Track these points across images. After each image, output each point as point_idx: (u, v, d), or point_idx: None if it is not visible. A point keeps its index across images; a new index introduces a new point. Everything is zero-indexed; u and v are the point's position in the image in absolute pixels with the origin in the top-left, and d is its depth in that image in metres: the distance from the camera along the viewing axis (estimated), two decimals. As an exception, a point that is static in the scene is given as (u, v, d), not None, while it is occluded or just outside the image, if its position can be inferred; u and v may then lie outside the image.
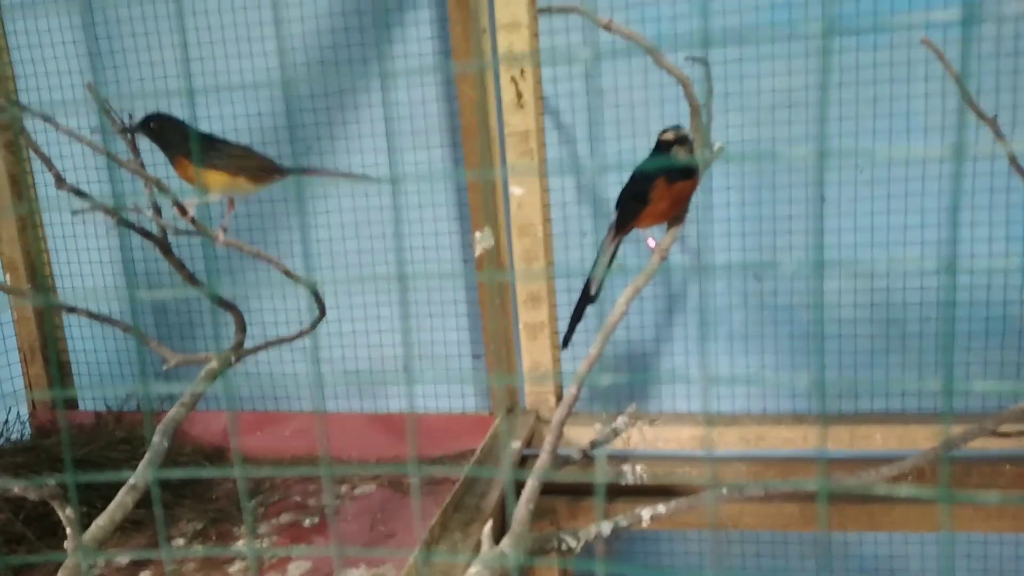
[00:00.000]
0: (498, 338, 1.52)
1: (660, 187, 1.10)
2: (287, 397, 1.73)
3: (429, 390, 1.63)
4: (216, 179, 1.17)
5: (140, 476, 1.08)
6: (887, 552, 1.63)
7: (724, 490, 1.21)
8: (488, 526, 0.99)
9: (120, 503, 1.03)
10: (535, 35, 1.44)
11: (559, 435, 1.15)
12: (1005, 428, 1.23)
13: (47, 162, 1.00)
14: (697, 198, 1.52)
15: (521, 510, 1.07)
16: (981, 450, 1.36)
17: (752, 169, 1.53)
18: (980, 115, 1.08)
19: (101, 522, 0.99)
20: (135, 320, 1.66)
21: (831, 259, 1.55)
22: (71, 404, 1.73)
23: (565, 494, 1.47)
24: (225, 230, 1.19)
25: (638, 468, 1.56)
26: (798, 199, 1.51)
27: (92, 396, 1.76)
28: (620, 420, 1.36)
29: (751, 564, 1.68)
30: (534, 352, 1.53)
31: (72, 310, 1.31)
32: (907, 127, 1.43)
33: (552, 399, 1.56)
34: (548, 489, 1.51)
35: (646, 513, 1.18)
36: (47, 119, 0.96)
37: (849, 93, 1.44)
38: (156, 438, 1.12)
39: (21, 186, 1.63)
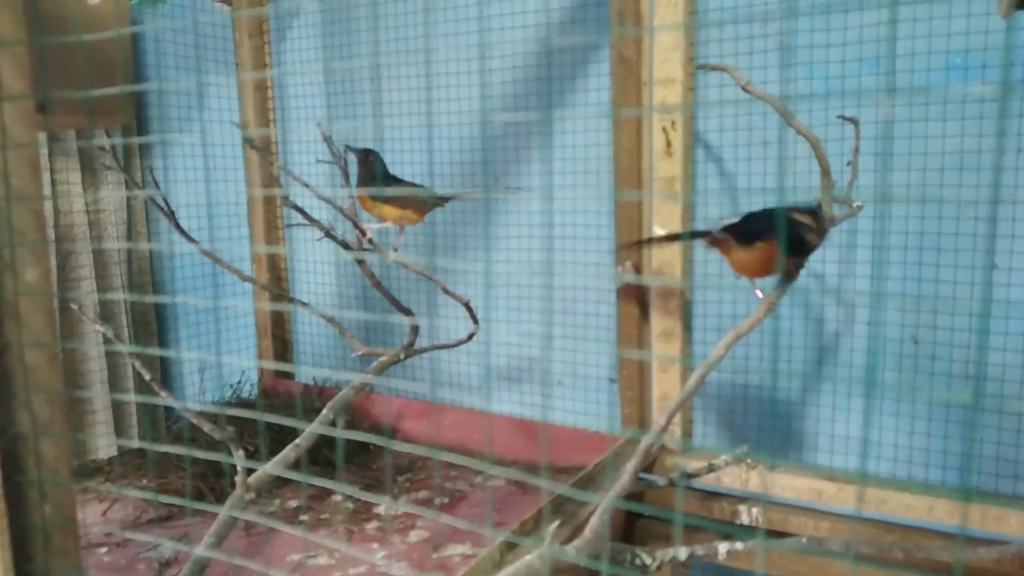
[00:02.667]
0: (631, 366, 1.64)
1: (737, 250, 1.17)
2: (455, 389, 1.98)
3: (568, 404, 1.79)
4: (390, 211, 1.44)
5: (304, 438, 1.36)
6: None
7: (804, 540, 1.24)
8: (554, 525, 1.14)
9: (283, 457, 1.32)
10: (689, 89, 1.55)
11: (643, 459, 1.25)
12: None
13: (305, 216, 1.31)
14: (856, 254, 1.53)
15: (595, 520, 1.20)
16: None
17: (916, 229, 1.49)
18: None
19: (267, 468, 1.28)
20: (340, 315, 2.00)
21: (996, 330, 1.47)
22: (289, 376, 2.12)
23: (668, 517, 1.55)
24: (395, 250, 1.46)
25: (754, 511, 1.59)
26: (964, 264, 1.46)
27: (307, 371, 2.15)
28: (722, 458, 1.43)
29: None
30: (663, 384, 1.63)
31: (291, 300, 1.66)
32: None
33: (677, 430, 1.64)
34: (657, 513, 1.60)
35: (723, 547, 1.25)
36: (303, 183, 1.29)
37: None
38: (324, 411, 1.41)
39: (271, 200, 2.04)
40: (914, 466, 1.51)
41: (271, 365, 2.05)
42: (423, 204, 1.42)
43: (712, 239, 1.24)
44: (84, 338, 2.11)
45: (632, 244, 1.60)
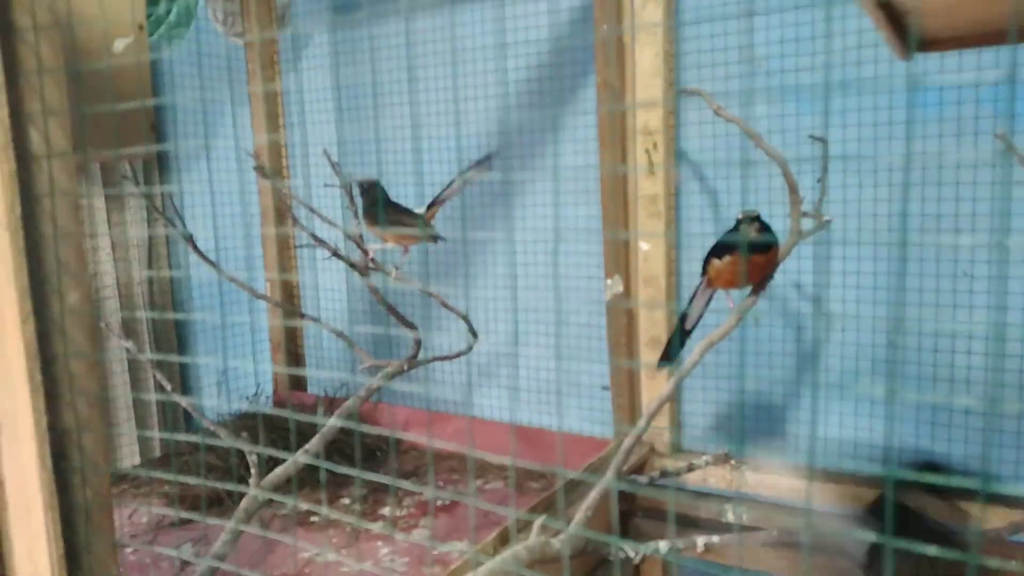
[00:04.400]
0: (621, 374, 1.74)
1: (714, 263, 1.28)
2: (455, 402, 2.09)
3: (563, 411, 1.89)
4: (390, 235, 1.55)
5: (313, 444, 1.47)
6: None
7: (775, 532, 1.33)
8: (540, 520, 1.23)
9: (294, 460, 1.43)
10: (670, 112, 1.65)
11: (624, 459, 1.35)
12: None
13: (314, 238, 1.43)
14: (837, 265, 1.62)
15: (580, 514, 1.29)
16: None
17: (891, 239, 1.58)
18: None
19: (278, 471, 1.39)
20: (350, 329, 2.11)
21: (966, 332, 1.55)
22: (302, 386, 2.23)
23: (659, 516, 1.65)
24: (397, 268, 1.57)
25: (739, 509, 1.68)
26: (931, 273, 1.55)
27: (318, 382, 2.26)
28: (703, 459, 1.53)
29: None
30: (652, 390, 1.72)
31: (303, 316, 1.77)
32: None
33: (666, 434, 1.73)
34: (651, 512, 1.69)
35: (701, 540, 1.34)
36: (309, 208, 1.41)
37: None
38: (332, 419, 1.52)
39: (283, 217, 2.16)
40: (889, 464, 1.59)
41: (283, 371, 2.16)
42: (416, 236, 1.55)
43: (705, 278, 1.37)
44: (110, 355, 2.24)
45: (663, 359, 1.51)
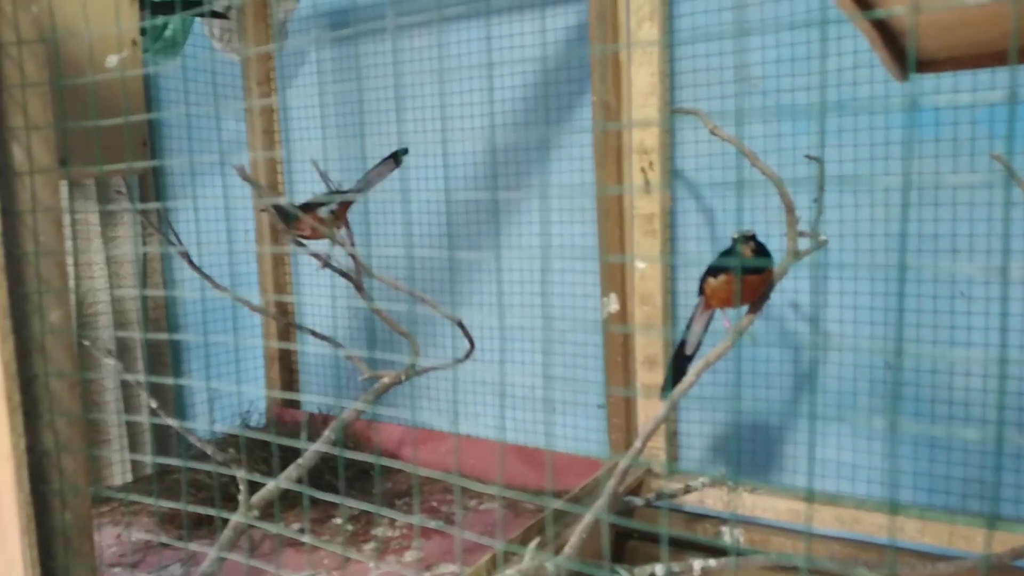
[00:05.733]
0: (618, 394, 1.72)
1: (709, 282, 1.27)
2: (453, 416, 2.07)
3: (559, 430, 1.87)
4: (305, 225, 1.55)
5: (306, 459, 1.45)
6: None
7: (774, 555, 1.31)
8: (534, 543, 1.21)
9: (285, 476, 1.41)
10: (665, 131, 1.65)
11: (620, 480, 1.33)
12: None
13: (314, 253, 1.42)
14: (834, 285, 1.61)
15: (574, 537, 1.27)
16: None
17: (888, 259, 1.57)
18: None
19: (262, 493, 1.37)
20: (346, 338, 2.10)
21: (970, 355, 1.54)
22: (295, 404, 2.21)
23: (655, 539, 1.62)
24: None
25: (736, 531, 1.66)
26: (928, 293, 1.54)
27: (314, 398, 2.24)
28: (699, 481, 1.51)
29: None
30: (649, 409, 1.71)
31: (300, 328, 1.76)
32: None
33: (662, 454, 1.71)
34: (647, 534, 1.67)
35: (698, 564, 1.32)
36: (298, 214, 1.39)
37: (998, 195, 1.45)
38: (326, 432, 1.50)
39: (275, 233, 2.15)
40: (887, 487, 1.57)
41: (278, 394, 2.14)
42: (321, 213, 1.54)
43: (702, 298, 1.36)
44: (101, 371, 2.22)
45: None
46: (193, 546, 1.52)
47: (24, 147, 0.60)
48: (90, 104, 0.97)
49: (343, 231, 1.62)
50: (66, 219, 2.16)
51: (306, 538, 1.52)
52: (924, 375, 1.54)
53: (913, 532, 1.46)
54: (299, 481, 1.40)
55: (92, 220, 2.23)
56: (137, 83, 1.09)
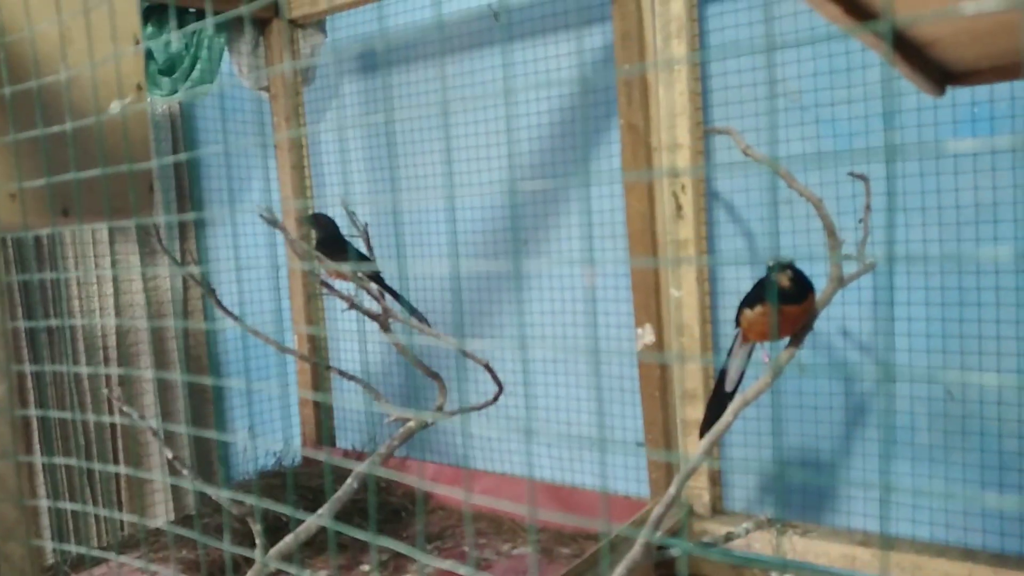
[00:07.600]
0: (656, 429, 1.63)
1: (745, 314, 1.18)
2: (486, 458, 2.00)
3: (597, 468, 1.78)
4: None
5: (328, 507, 1.40)
6: None
7: (823, 612, 1.20)
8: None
9: (306, 527, 1.36)
10: (698, 153, 1.57)
11: (655, 528, 1.24)
12: None
13: (331, 289, 1.39)
14: (878, 311, 1.50)
15: (608, 589, 1.19)
16: None
17: (947, 283, 1.45)
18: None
19: (288, 539, 1.32)
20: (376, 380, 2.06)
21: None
22: (332, 441, 2.18)
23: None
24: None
25: (786, 577, 1.55)
26: (989, 318, 1.41)
27: (346, 435, 2.20)
28: (742, 527, 1.41)
29: None
30: (690, 447, 1.61)
31: (328, 368, 1.73)
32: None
33: (706, 494, 1.61)
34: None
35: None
36: (319, 258, 1.37)
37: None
38: (349, 480, 1.45)
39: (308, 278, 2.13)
40: (951, 529, 1.44)
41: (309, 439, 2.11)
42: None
43: (739, 330, 1.28)
44: (144, 409, 2.23)
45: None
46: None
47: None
48: (94, 152, 0.95)
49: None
50: (106, 260, 2.19)
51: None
52: (989, 407, 1.41)
53: (983, 581, 1.33)
54: (324, 529, 1.35)
55: (134, 261, 2.25)
56: (142, 128, 1.07)
